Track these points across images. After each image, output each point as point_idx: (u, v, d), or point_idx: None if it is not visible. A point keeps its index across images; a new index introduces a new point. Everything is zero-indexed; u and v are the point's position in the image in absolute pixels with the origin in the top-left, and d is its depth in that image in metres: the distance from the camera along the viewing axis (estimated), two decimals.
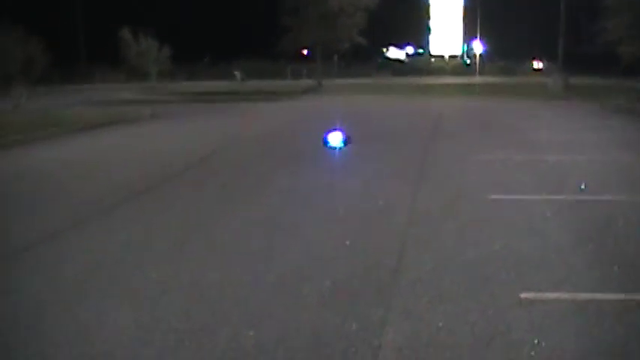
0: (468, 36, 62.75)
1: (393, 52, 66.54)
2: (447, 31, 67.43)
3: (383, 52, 65.44)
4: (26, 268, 5.66)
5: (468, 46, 64.14)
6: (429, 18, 67.27)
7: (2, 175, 10.58)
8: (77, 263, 5.74)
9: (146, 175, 10.11)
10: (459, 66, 61.45)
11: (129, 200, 8.32)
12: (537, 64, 53.65)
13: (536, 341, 3.97)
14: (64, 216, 7.50)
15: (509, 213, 7.15)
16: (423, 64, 63.27)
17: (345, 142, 10.61)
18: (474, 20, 56.37)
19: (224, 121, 19.58)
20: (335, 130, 11.01)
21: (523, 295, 4.68)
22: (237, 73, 45.64)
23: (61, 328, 4.36)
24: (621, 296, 4.70)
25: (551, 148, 11.89)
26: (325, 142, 10.67)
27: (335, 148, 10.76)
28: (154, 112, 21.56)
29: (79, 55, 52.05)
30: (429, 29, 67.67)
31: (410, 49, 67.60)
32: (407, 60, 66.36)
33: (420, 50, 68.21)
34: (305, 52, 45.49)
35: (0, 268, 5.74)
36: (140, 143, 14.72)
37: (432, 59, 67.02)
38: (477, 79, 40.21)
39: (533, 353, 3.84)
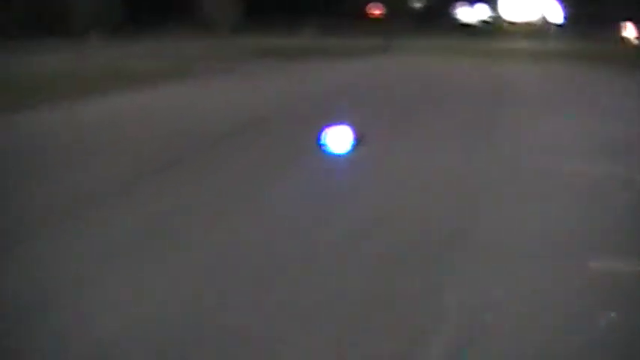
0: None
1: (464, 14, 64.54)
2: None
3: (454, 15, 63.61)
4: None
5: (544, 8, 61.55)
6: None
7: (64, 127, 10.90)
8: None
9: (205, 130, 10.32)
10: (534, 30, 59.19)
11: (189, 155, 8.50)
12: (627, 31, 47.11)
13: (605, 312, 3.96)
14: (129, 167, 7.78)
15: (578, 183, 7.00)
16: (495, 27, 61.22)
17: (355, 143, 7.55)
18: None
19: (291, 80, 19.63)
20: (339, 124, 7.91)
21: (592, 265, 4.60)
22: (307, 31, 45.31)
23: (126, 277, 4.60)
24: None
25: (624, 120, 11.47)
26: (321, 144, 7.66)
27: (336, 154, 7.56)
28: (222, 67, 21.77)
29: (151, 7, 52.60)
30: None
31: (483, 10, 65.42)
32: (479, 24, 64.30)
33: (493, 15, 65.90)
34: (377, 11, 44.81)
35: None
36: (206, 98, 14.95)
37: (505, 23, 64.73)
38: (554, 45, 38.74)
39: (603, 324, 3.83)
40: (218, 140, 9.68)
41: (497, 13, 65.55)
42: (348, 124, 7.95)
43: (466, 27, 62.16)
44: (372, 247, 4.93)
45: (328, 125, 8.15)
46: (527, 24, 63.97)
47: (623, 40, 42.99)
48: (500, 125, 11.04)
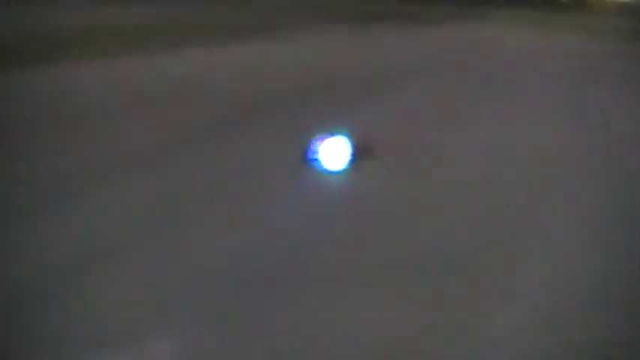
0: None
1: None
2: None
3: None
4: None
5: None
6: None
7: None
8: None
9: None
10: (626, 7, 56.33)
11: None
12: None
13: None
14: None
15: None
16: (586, 2, 58.65)
17: (353, 157, 5.97)
18: None
19: (360, 48, 19.04)
20: (334, 134, 6.11)
21: None
22: None
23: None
24: None
25: None
26: (311, 159, 5.96)
27: (330, 172, 5.87)
28: (288, 32, 21.25)
29: None
30: None
31: None
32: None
33: None
34: None
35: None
36: (261, 63, 14.44)
37: None
38: None
39: None
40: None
41: None
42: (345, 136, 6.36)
43: (554, 1, 59.85)
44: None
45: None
46: (620, 0, 61.21)
47: None
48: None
